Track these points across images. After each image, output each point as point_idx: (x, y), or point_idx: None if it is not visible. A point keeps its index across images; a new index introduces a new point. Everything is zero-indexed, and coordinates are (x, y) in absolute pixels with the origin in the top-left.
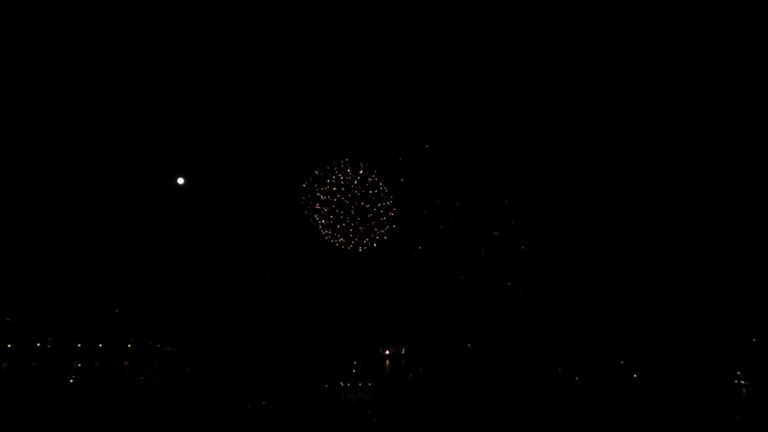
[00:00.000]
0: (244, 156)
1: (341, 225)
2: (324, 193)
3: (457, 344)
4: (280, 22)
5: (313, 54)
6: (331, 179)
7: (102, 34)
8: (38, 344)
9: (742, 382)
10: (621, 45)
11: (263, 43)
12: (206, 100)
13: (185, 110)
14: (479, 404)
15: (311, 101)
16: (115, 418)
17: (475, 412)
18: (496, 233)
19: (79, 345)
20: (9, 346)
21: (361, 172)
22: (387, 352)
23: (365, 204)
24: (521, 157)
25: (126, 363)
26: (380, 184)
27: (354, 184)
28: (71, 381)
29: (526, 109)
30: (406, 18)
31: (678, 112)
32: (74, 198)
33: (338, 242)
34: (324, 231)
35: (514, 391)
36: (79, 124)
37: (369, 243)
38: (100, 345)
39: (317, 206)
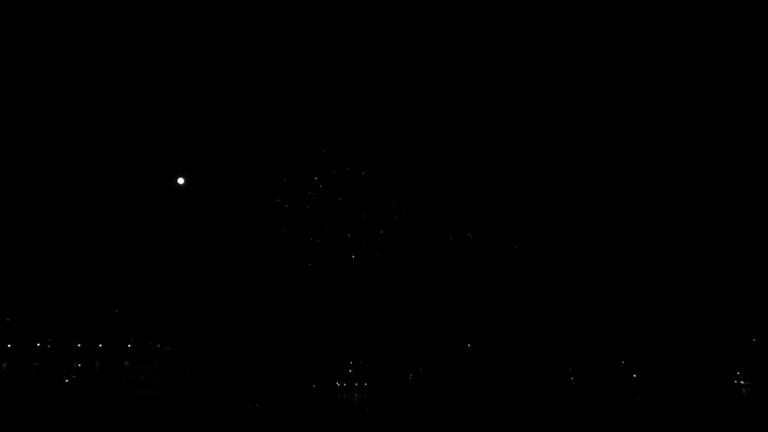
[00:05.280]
0: (245, 156)
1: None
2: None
3: (456, 344)
4: (280, 22)
5: (313, 54)
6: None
7: (102, 35)
8: (38, 344)
9: (742, 382)
10: (621, 46)
11: (263, 44)
12: (206, 100)
13: (185, 110)
14: (479, 404)
15: (312, 102)
16: (115, 418)
17: (474, 412)
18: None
19: (79, 345)
20: (9, 346)
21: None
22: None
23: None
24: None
25: (126, 363)
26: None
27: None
28: (67, 381)
29: (525, 111)
30: (407, 19)
31: (678, 112)
32: (74, 198)
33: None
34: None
35: (513, 391)
36: (80, 124)
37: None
38: (100, 345)
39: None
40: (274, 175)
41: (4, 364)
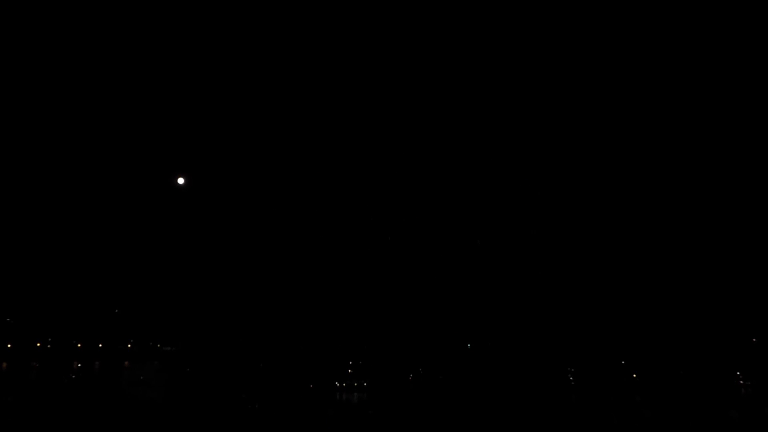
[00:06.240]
0: (245, 156)
1: None
2: None
3: (456, 344)
4: (280, 22)
5: (313, 54)
6: None
7: (102, 34)
8: (38, 344)
9: (742, 382)
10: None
11: (263, 44)
12: (206, 100)
13: (185, 110)
14: (479, 404)
15: (312, 101)
16: (115, 418)
17: (474, 412)
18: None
19: (79, 345)
20: (9, 346)
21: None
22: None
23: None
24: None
25: (126, 363)
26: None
27: None
28: (65, 381)
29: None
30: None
31: (678, 112)
32: (74, 198)
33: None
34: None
35: (513, 391)
36: (79, 123)
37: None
38: (100, 345)
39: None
40: (275, 175)
41: (4, 364)
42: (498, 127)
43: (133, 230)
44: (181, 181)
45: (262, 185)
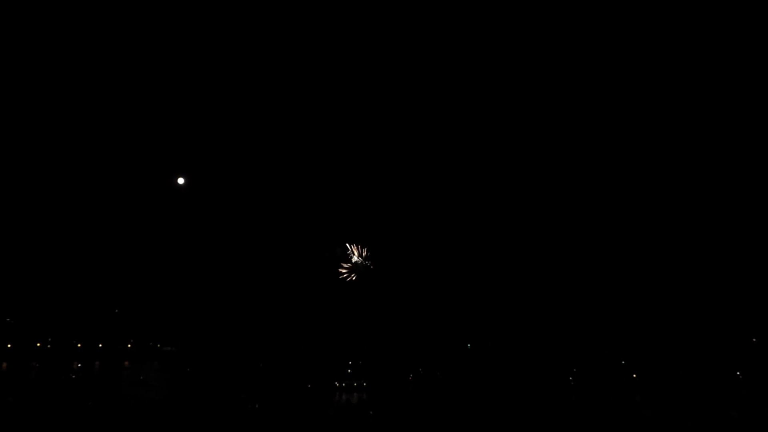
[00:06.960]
0: (245, 156)
1: None
2: None
3: (456, 344)
4: (280, 22)
5: (313, 55)
6: None
7: (102, 34)
8: (38, 344)
9: (742, 382)
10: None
11: (263, 44)
12: (206, 100)
13: (185, 110)
14: (478, 404)
15: (312, 101)
16: (115, 418)
17: (474, 411)
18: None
19: (79, 345)
20: (9, 346)
21: None
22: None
23: None
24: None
25: (126, 363)
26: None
27: None
28: (63, 380)
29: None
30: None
31: (678, 113)
32: (74, 198)
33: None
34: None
35: (513, 391)
36: (80, 124)
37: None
38: (100, 345)
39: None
40: (274, 175)
41: (4, 364)
42: (500, 131)
43: (133, 231)
44: (181, 181)
45: (261, 187)
